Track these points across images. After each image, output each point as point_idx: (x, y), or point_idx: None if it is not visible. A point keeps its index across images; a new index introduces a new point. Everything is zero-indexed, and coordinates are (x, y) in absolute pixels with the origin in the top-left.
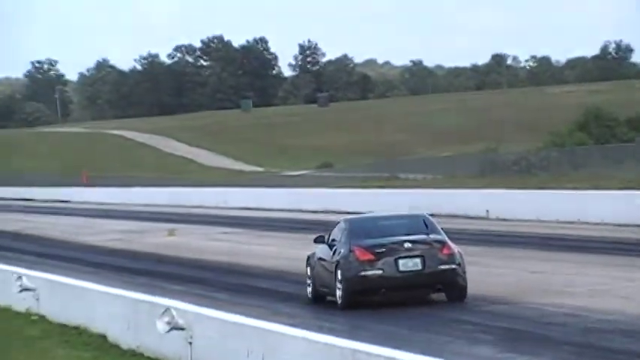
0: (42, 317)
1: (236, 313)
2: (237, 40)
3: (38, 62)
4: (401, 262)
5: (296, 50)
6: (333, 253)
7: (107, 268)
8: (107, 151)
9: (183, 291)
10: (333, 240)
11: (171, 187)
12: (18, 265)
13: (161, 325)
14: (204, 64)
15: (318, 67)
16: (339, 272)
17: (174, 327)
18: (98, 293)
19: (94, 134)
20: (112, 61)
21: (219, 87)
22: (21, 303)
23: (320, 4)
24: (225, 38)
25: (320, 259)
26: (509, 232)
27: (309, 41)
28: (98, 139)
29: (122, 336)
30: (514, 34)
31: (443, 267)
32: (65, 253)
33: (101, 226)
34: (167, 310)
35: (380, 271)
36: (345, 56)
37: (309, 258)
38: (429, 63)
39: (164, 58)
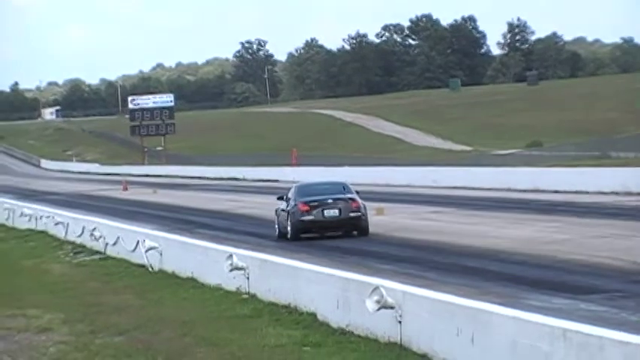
0: (252, 296)
1: (445, 292)
2: (446, 19)
3: (247, 42)
4: (325, 211)
5: (505, 28)
6: (287, 206)
7: (317, 247)
8: (316, 130)
9: (393, 270)
10: (288, 198)
11: (380, 166)
12: (228, 245)
13: (370, 304)
14: (413, 43)
15: (527, 46)
16: (289, 217)
17: (384, 306)
18: (308, 272)
19: (302, 114)
20: (321, 41)
21: (427, 66)
22: (232, 282)
23: None
24: (434, 17)
25: (282, 210)
26: None
27: (518, 19)
28: (307, 118)
29: (331, 315)
30: None
31: (352, 214)
32: (274, 233)
33: None
34: (376, 288)
35: (312, 217)
36: (555, 34)
37: (276, 210)
38: None
39: (372, 37)
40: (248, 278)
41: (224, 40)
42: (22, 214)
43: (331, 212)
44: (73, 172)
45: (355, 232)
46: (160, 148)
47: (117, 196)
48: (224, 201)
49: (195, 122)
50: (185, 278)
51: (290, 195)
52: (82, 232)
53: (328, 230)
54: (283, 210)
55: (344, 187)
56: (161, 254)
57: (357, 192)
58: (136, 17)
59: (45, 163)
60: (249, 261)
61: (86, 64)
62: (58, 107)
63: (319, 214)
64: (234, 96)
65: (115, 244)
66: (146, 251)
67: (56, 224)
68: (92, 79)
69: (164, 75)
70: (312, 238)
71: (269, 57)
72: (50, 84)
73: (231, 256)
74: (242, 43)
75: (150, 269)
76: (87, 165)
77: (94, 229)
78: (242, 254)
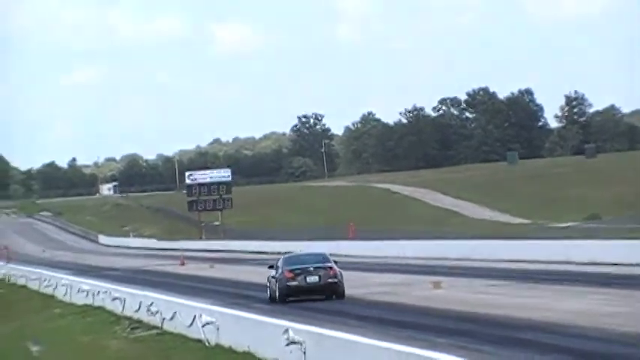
0: None
1: None
2: (502, 92)
3: (304, 117)
4: (308, 277)
5: (562, 101)
6: (276, 273)
7: (372, 321)
8: (373, 204)
9: (449, 343)
10: (277, 267)
11: (437, 239)
12: (285, 319)
13: None
14: (470, 116)
15: (584, 118)
16: (277, 283)
17: None
18: (365, 346)
19: (359, 188)
20: (378, 115)
21: (484, 139)
22: (288, 356)
23: (586, 55)
24: (491, 90)
25: (272, 276)
26: None
27: (575, 92)
28: (364, 192)
29: None
30: None
31: (330, 280)
32: (330, 307)
33: (367, 279)
34: None
35: (297, 282)
36: (613, 106)
37: (268, 277)
38: None
39: (429, 110)
40: (305, 352)
41: (281, 115)
42: (79, 290)
43: (312, 278)
44: (130, 248)
45: (334, 297)
46: (217, 223)
47: (174, 271)
48: None
49: (253, 197)
50: (242, 352)
51: (279, 264)
52: (139, 307)
53: (310, 294)
54: (273, 277)
55: (324, 258)
56: (218, 329)
57: (336, 262)
58: (193, 92)
59: (102, 238)
60: (306, 335)
61: (143, 140)
62: (115, 183)
63: (302, 280)
64: (292, 170)
65: (172, 318)
66: (203, 326)
67: (113, 299)
68: (149, 154)
69: (221, 150)
70: (367, 317)
71: (326, 131)
72: (108, 160)
73: (287, 330)
74: (299, 117)
75: (207, 344)
76: (144, 240)
77: (151, 304)
78: (298, 328)
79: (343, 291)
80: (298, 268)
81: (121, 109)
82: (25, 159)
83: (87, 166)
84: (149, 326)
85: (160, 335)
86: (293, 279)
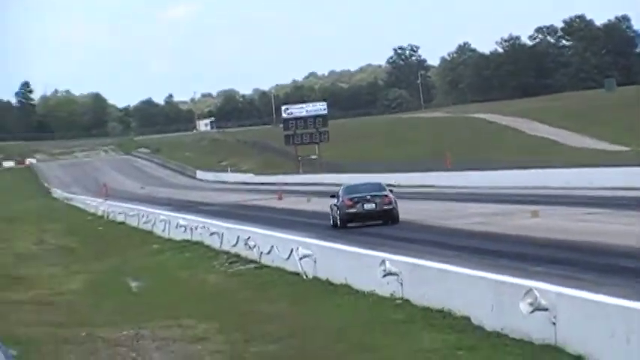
0: (406, 301)
1: (600, 293)
2: (599, 19)
3: (400, 48)
4: (365, 205)
5: None
6: (337, 201)
7: (469, 251)
8: (470, 134)
9: (546, 272)
10: (338, 196)
11: (535, 168)
12: (381, 250)
13: (524, 307)
14: (566, 44)
15: None
16: (338, 210)
17: (538, 308)
18: (461, 276)
19: (456, 118)
20: (473, 45)
21: (581, 67)
22: (385, 287)
23: None
24: (587, 17)
25: (334, 204)
26: None
27: None
28: (460, 123)
29: (485, 318)
30: None
31: (385, 207)
32: (428, 237)
33: (465, 209)
34: (530, 291)
35: (355, 209)
36: None
37: (330, 206)
38: None
39: (525, 39)
40: (401, 283)
41: (377, 47)
42: (177, 226)
43: (369, 205)
44: (228, 183)
45: (390, 222)
46: (314, 157)
47: (272, 206)
48: None
49: (349, 129)
50: (339, 285)
51: (339, 193)
52: (237, 241)
53: (367, 219)
54: (335, 205)
55: (380, 186)
56: (315, 261)
57: (391, 190)
58: (288, 26)
59: (200, 174)
60: (402, 266)
61: (240, 75)
62: (212, 118)
63: (360, 207)
64: (388, 102)
65: (269, 252)
66: (300, 259)
67: (211, 234)
68: (246, 89)
69: (317, 83)
70: (464, 247)
71: (422, 62)
72: (204, 95)
73: (384, 261)
74: (395, 49)
75: (304, 277)
76: (242, 175)
77: (249, 238)
78: (395, 259)
79: (397, 216)
80: (356, 197)
81: (216, 44)
82: (123, 96)
83: (184, 103)
84: (247, 260)
85: (257, 269)
86: (352, 206)
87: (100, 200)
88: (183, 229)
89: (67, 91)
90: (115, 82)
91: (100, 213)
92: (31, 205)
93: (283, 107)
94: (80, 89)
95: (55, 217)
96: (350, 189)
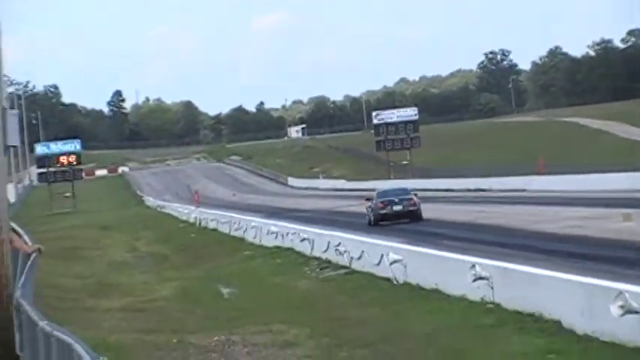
0: (496, 305)
1: None
2: None
3: (491, 53)
4: (394, 207)
5: None
6: (371, 204)
7: (559, 254)
8: (562, 138)
9: (637, 275)
10: (372, 199)
11: (627, 171)
12: (472, 255)
13: (615, 310)
14: None
15: None
16: (372, 211)
17: (629, 310)
18: (551, 279)
19: (547, 122)
20: (565, 49)
21: None
22: (475, 292)
23: None
24: None
25: (369, 206)
26: None
27: None
28: (552, 127)
29: (576, 321)
30: None
31: (410, 208)
32: (518, 241)
33: (557, 213)
34: (620, 294)
35: (385, 210)
36: None
37: (366, 207)
38: None
39: (617, 42)
40: (492, 288)
41: (467, 52)
42: (269, 232)
43: (397, 207)
44: (319, 189)
45: (415, 220)
46: (405, 162)
47: (363, 212)
48: (469, 212)
49: (441, 135)
50: (429, 290)
51: (374, 197)
52: (327, 247)
53: (396, 219)
54: (370, 207)
55: (406, 191)
56: (405, 267)
57: (415, 194)
58: (379, 32)
59: (292, 181)
60: (493, 270)
61: (331, 81)
62: (303, 125)
63: (390, 209)
64: (479, 107)
65: (359, 258)
66: (390, 264)
67: (302, 240)
68: (337, 95)
69: (408, 89)
70: (555, 251)
71: (513, 66)
72: (295, 102)
73: (474, 266)
74: (485, 54)
75: (394, 282)
76: (333, 181)
77: (339, 244)
78: (485, 264)
79: (421, 215)
80: (387, 200)
81: (307, 51)
82: (214, 104)
83: (275, 110)
84: (337, 266)
85: (348, 275)
86: (383, 208)
87: (192, 208)
88: (274, 235)
89: (159, 100)
90: (206, 90)
91: (192, 220)
92: (124, 213)
93: (374, 113)
94: (171, 97)
95: (147, 224)
96: (382, 194)
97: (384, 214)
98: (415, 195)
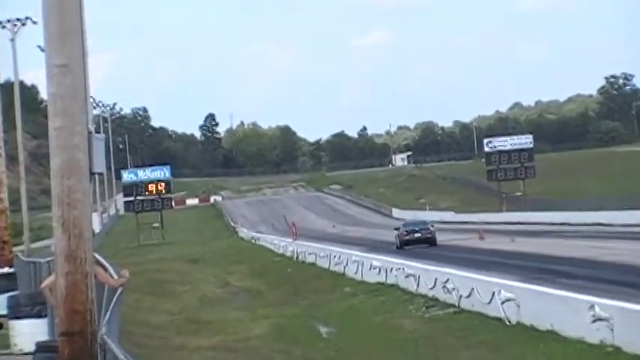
0: (617, 348)
1: None
2: None
3: (613, 77)
4: (415, 234)
5: None
6: (398, 233)
7: None
8: None
9: None
10: (399, 229)
11: None
12: (591, 294)
13: None
14: None
15: None
16: (398, 238)
17: None
18: None
19: None
20: None
21: None
22: (594, 334)
23: None
24: None
25: (397, 234)
26: None
27: None
28: None
29: None
30: None
31: (428, 235)
32: (625, 279)
33: None
34: None
35: (408, 237)
36: None
37: (395, 235)
38: None
39: None
40: (612, 329)
41: (587, 76)
42: (371, 267)
43: (417, 234)
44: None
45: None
46: (518, 194)
47: (472, 246)
48: (588, 248)
49: (557, 164)
50: (544, 331)
51: (399, 227)
52: (435, 284)
53: (416, 243)
54: (397, 235)
55: (425, 223)
56: (518, 306)
57: (432, 225)
58: (491, 53)
59: (396, 212)
60: (614, 311)
61: (439, 106)
62: (409, 152)
63: (412, 236)
64: (600, 135)
65: (469, 296)
66: (502, 303)
67: (407, 276)
68: (445, 121)
69: (523, 114)
70: None
71: (636, 91)
72: (401, 128)
73: (593, 306)
74: (606, 78)
75: (507, 322)
76: (440, 213)
77: (447, 280)
78: (605, 304)
79: (435, 241)
80: (410, 229)
81: (413, 73)
82: (313, 129)
83: (378, 136)
84: (445, 304)
85: (456, 314)
86: (407, 235)
87: (289, 240)
88: (377, 270)
89: (254, 124)
90: (305, 114)
91: (288, 254)
92: (216, 245)
93: (485, 140)
94: (268, 122)
95: (241, 257)
96: (407, 224)
97: (407, 240)
98: (432, 226)
